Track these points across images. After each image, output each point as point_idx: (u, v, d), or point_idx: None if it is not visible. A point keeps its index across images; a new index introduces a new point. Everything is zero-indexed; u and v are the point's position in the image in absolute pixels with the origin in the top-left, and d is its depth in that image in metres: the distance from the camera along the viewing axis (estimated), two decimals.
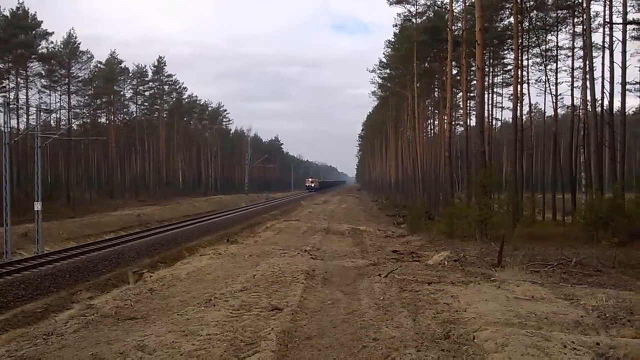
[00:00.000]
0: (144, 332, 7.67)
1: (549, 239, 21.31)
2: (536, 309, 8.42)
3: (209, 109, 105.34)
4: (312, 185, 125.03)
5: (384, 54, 57.95)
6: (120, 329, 8.18)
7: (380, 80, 62.89)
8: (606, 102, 26.84)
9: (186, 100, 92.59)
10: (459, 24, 34.43)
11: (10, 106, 34.49)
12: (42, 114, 31.20)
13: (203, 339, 7.07)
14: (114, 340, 7.44)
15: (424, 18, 42.22)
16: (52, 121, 61.70)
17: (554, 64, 35.06)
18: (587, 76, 26.48)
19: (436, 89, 49.60)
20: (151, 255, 24.82)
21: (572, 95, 33.13)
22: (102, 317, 9.10)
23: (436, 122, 53.62)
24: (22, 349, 7.34)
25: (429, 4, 41.30)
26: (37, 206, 25.85)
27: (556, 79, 34.45)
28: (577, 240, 20.47)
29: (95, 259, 23.23)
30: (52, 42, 56.62)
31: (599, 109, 26.66)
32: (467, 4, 33.30)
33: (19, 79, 52.82)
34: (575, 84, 33.06)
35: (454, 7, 31.93)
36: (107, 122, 74.49)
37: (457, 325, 7.56)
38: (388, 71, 59.33)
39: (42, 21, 53.50)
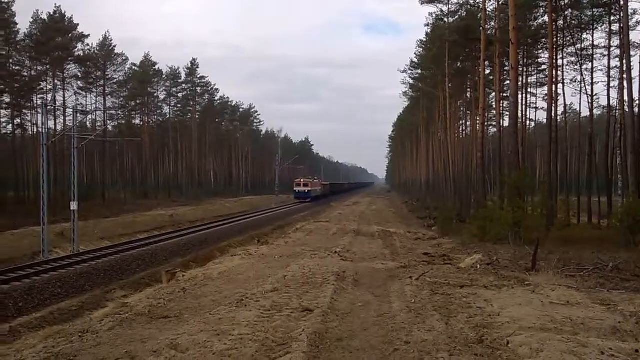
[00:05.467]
0: (177, 331, 7.77)
1: (584, 243, 20.83)
2: (572, 314, 8.26)
3: (240, 110, 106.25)
4: (307, 190, 75.91)
5: (415, 54, 57.70)
6: (153, 327, 8.29)
7: (411, 81, 62.62)
8: None
9: (218, 101, 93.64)
10: (492, 23, 33.95)
11: (48, 108, 35.31)
12: (78, 115, 31.88)
13: (235, 339, 7.12)
14: (147, 338, 7.56)
15: (456, 17, 41.80)
16: (88, 122, 63.08)
17: (590, 64, 34.30)
18: (624, 76, 25.82)
19: (468, 89, 48.99)
20: (183, 255, 25.15)
21: (608, 95, 32.31)
22: (136, 315, 9.25)
23: (468, 123, 52.99)
24: (59, 346, 7.51)
25: (461, 3, 40.83)
26: (73, 206, 26.40)
27: (592, 78, 33.65)
28: (613, 244, 19.95)
29: (129, 258, 23.66)
30: (88, 45, 58.09)
31: (636, 109, 26.04)
32: (500, 3, 32.80)
33: (56, 81, 54.14)
34: (611, 84, 32.23)
35: (487, 6, 31.54)
36: (141, 123, 75.78)
37: (490, 329, 7.46)
38: (419, 71, 58.98)
39: (78, 24, 54.90)
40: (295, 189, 76.81)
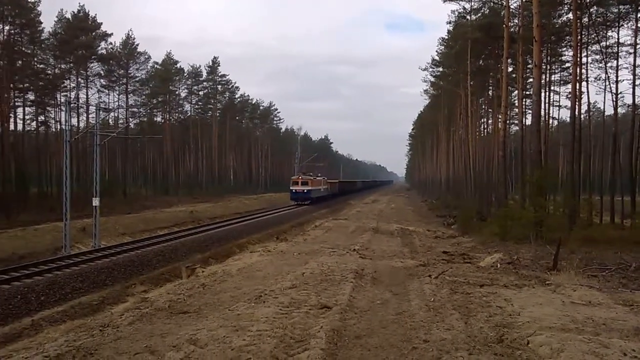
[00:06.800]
0: (196, 326, 7.82)
1: (607, 243, 20.47)
2: (593, 315, 8.14)
3: (260, 108, 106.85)
4: (306, 190, 58.53)
5: (436, 52, 57.33)
6: (173, 322, 8.35)
7: (432, 79, 62.37)
8: None
9: (238, 99, 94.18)
10: (515, 21, 33.59)
11: (71, 105, 35.80)
12: (101, 112, 32.28)
13: (253, 335, 7.15)
14: (167, 333, 7.61)
15: (479, 15, 41.54)
16: (110, 120, 63.95)
17: (615, 61, 33.61)
18: None
19: (490, 87, 48.53)
20: (203, 251, 25.27)
21: (633, 93, 31.60)
22: (156, 310, 9.32)
23: (489, 121, 52.55)
24: (80, 340, 7.59)
25: (484, 0, 40.54)
26: (95, 202, 26.73)
27: (617, 76, 32.99)
28: (637, 244, 19.60)
29: (149, 254, 23.87)
30: (111, 43, 58.94)
31: None
32: (524, 0, 32.44)
33: (79, 79, 54.98)
34: (637, 82, 31.58)
35: (510, 3, 31.19)
36: (163, 121, 76.61)
37: (510, 329, 7.38)
38: (441, 69, 58.68)
39: (101, 23, 55.72)
40: (291, 188, 59.93)
